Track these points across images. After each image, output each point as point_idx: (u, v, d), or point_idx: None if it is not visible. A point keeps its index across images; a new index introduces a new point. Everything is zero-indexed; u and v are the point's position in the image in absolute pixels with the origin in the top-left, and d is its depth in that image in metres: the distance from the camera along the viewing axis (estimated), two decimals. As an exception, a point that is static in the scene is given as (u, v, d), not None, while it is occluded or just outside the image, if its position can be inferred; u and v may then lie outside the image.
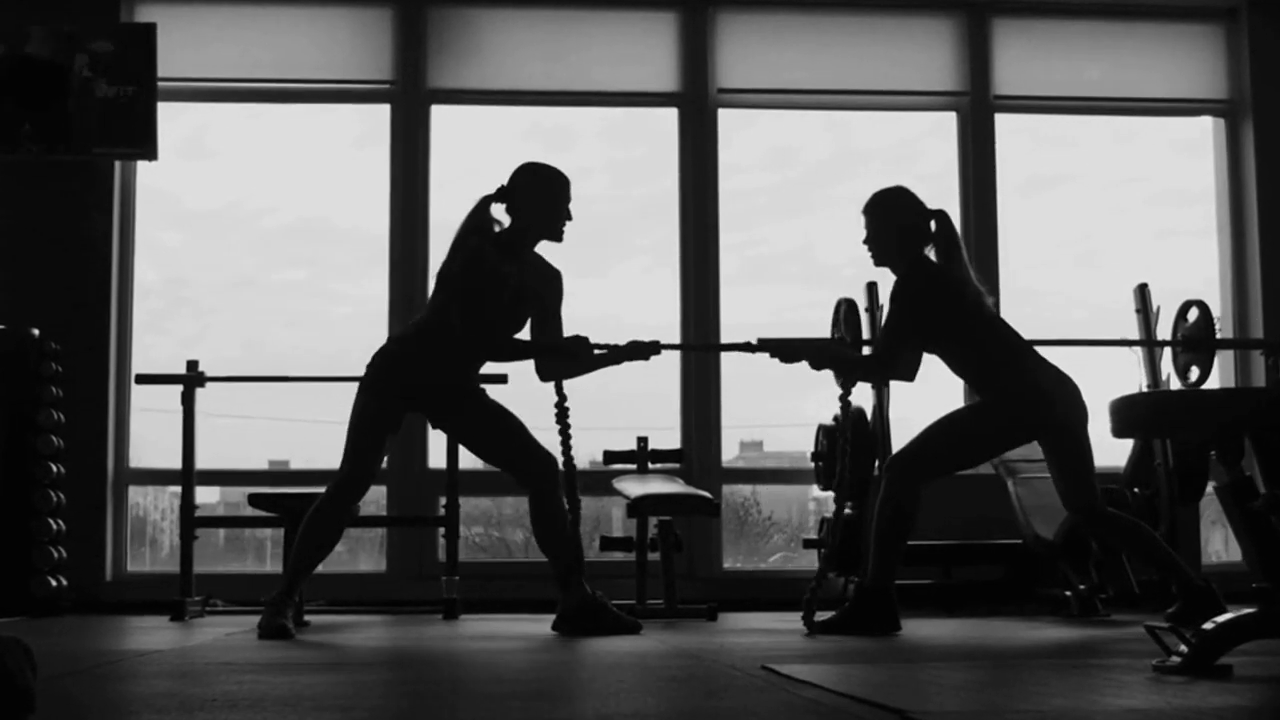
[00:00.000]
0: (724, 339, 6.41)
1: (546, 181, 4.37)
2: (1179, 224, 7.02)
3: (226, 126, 6.80)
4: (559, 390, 4.47)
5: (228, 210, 6.87)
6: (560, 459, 4.41)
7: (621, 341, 4.36)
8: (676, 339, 6.47)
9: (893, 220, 4.30)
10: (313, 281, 6.97)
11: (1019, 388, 4.15)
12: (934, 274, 4.24)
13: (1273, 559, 2.63)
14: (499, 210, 4.34)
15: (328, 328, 6.82)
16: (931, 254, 4.30)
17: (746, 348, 4.44)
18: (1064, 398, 4.12)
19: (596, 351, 4.33)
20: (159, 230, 6.56)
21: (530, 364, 4.45)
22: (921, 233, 4.29)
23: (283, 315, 6.86)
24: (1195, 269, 6.80)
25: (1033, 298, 6.88)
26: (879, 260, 4.36)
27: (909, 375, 4.41)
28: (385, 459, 5.28)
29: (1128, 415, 2.85)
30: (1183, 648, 2.56)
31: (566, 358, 4.35)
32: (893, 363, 4.28)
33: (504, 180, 4.37)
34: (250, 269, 6.93)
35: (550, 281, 4.41)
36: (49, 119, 6.07)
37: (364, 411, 4.25)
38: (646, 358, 4.39)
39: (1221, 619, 2.59)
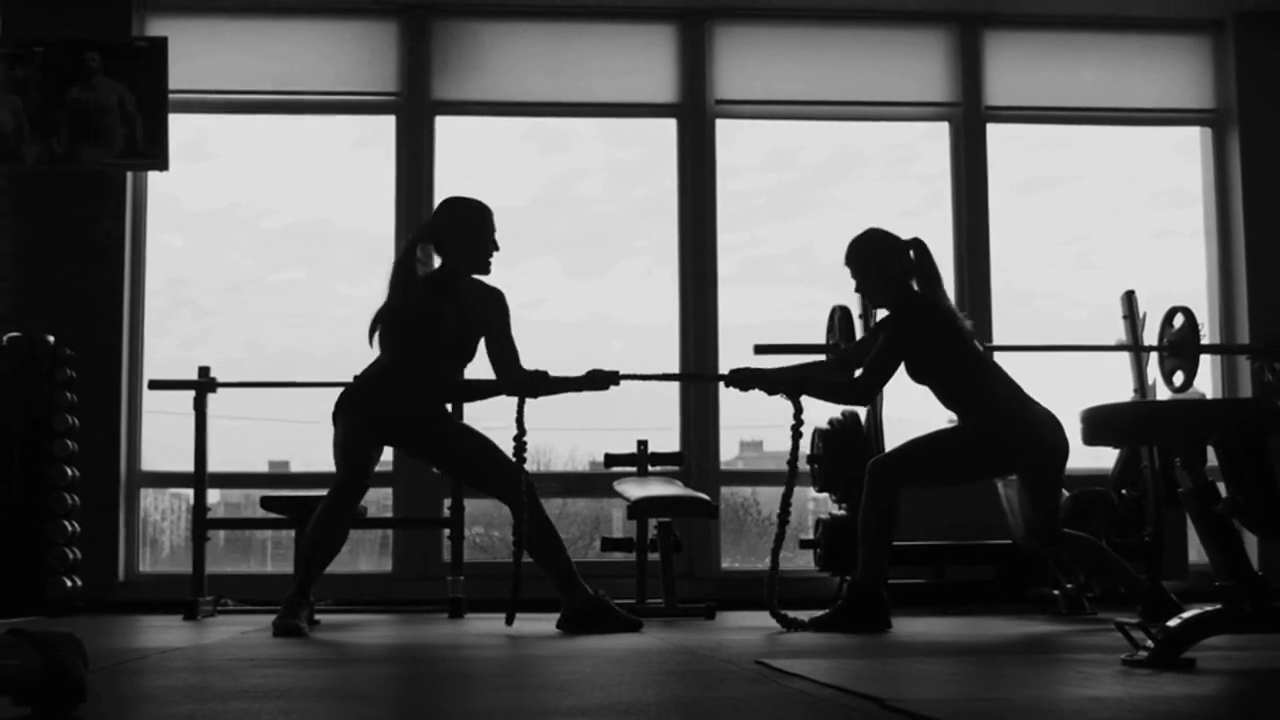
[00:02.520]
0: (722, 340, 6.55)
1: (468, 216, 4.50)
2: (1174, 226, 7.13)
3: (228, 130, 6.91)
4: (519, 423, 4.41)
5: (228, 211, 6.97)
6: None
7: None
8: (675, 340, 6.60)
9: (875, 262, 4.44)
10: (313, 282, 7.08)
11: (1010, 422, 4.27)
12: (927, 308, 4.38)
13: (1234, 559, 2.79)
14: (428, 250, 4.50)
15: (328, 328, 6.92)
16: (914, 283, 4.45)
17: (719, 379, 4.55)
18: (1050, 434, 4.26)
19: (555, 378, 4.47)
20: (160, 232, 6.65)
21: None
22: (904, 266, 4.44)
23: (283, 316, 6.96)
24: (1190, 272, 6.91)
25: (1030, 299, 7.02)
26: (873, 303, 4.54)
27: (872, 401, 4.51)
28: (390, 463, 5.41)
29: (1098, 425, 3.01)
30: (1150, 643, 2.72)
31: (524, 389, 4.45)
32: (878, 391, 4.41)
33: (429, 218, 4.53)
34: (251, 269, 7.03)
35: (493, 304, 4.54)
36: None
37: (343, 437, 4.42)
38: (605, 388, 4.50)
39: (1186, 615, 2.75)
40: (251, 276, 7.02)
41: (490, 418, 4.79)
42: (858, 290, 4.51)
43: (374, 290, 6.58)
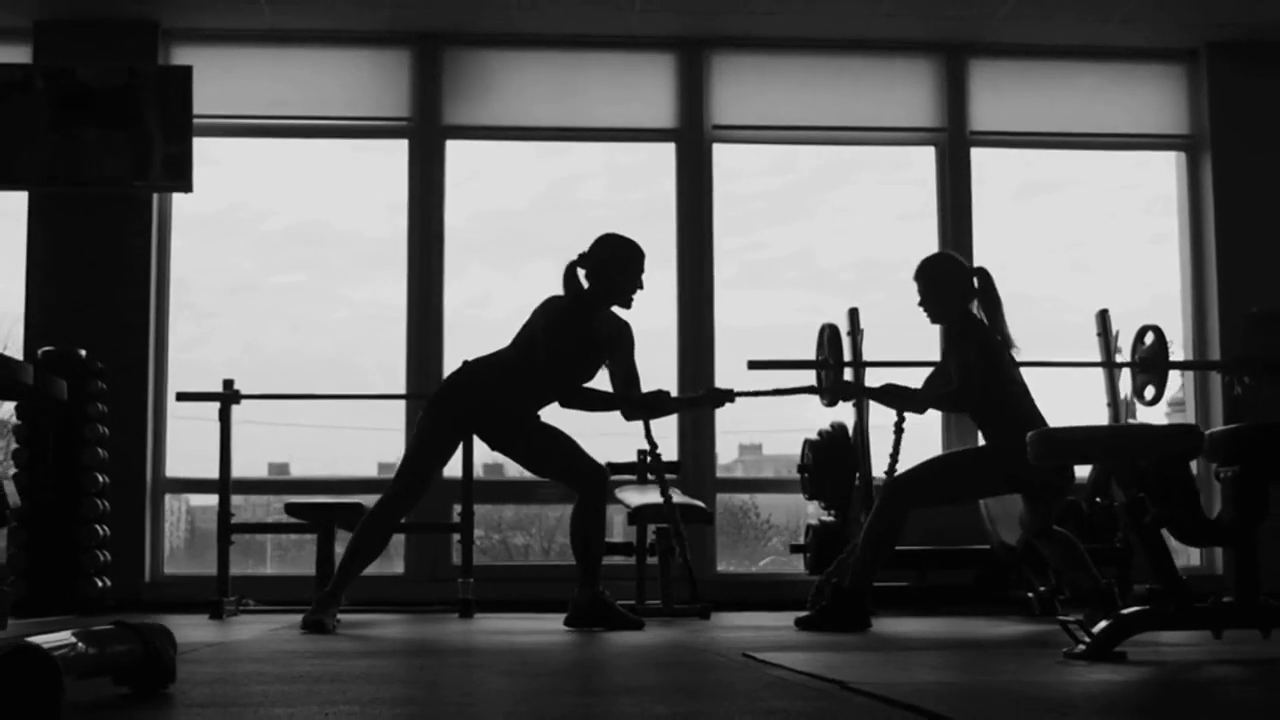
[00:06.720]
0: (718, 342, 6.86)
1: (623, 255, 4.88)
2: (1168, 232, 7.32)
3: (230, 139, 7.07)
4: (649, 439, 5.23)
5: (227, 215, 7.15)
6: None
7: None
8: (674, 342, 6.89)
9: (943, 283, 4.82)
10: (312, 284, 7.25)
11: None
12: (985, 334, 4.74)
13: (1161, 564, 3.14)
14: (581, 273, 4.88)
15: (328, 331, 7.08)
16: (975, 308, 4.81)
17: (813, 391, 5.02)
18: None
19: (675, 398, 4.96)
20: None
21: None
22: (969, 290, 4.81)
23: (283, 318, 7.13)
24: (1174, 281, 7.16)
25: (1029, 303, 7.29)
26: (935, 318, 4.88)
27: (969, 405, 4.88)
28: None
29: (1044, 446, 3.36)
30: (1087, 638, 3.07)
31: (646, 409, 4.91)
32: (973, 396, 4.72)
33: (585, 248, 4.89)
34: (250, 272, 7.22)
35: (621, 332, 4.91)
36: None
37: (426, 433, 4.78)
38: (722, 405, 5.01)
39: (1123, 613, 3.10)
40: (251, 279, 7.19)
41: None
42: (921, 304, 4.86)
43: (374, 293, 6.91)
